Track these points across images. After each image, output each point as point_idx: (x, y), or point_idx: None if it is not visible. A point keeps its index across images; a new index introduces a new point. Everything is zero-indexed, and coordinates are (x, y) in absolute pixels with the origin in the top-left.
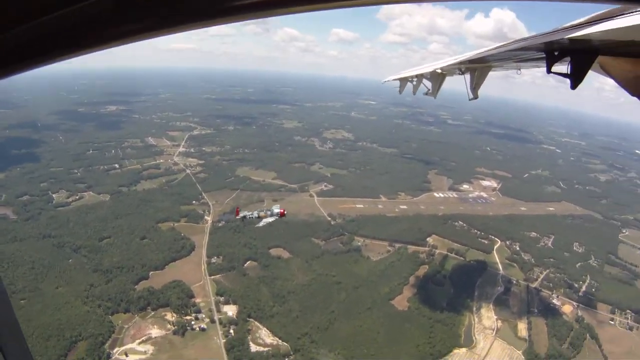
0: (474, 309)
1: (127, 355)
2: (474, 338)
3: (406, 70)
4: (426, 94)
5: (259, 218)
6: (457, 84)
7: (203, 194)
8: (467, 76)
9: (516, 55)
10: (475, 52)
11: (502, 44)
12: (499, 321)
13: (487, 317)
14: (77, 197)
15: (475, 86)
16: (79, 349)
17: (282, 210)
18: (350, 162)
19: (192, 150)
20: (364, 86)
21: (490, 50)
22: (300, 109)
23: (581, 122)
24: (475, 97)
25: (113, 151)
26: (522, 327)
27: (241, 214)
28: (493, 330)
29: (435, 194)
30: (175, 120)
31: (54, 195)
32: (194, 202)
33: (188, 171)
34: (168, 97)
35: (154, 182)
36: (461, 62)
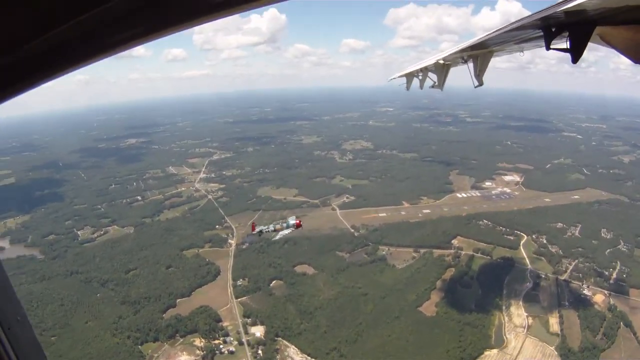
0: (503, 307)
1: None
2: (504, 338)
3: (411, 65)
4: (432, 87)
5: (275, 231)
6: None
7: (226, 217)
8: (471, 65)
9: (515, 36)
10: (475, 38)
11: (500, 27)
12: (530, 318)
13: (517, 315)
14: (101, 232)
15: (479, 73)
16: None
17: (298, 221)
18: (370, 172)
19: (212, 175)
20: (380, 93)
21: (490, 34)
22: (318, 123)
23: (600, 105)
24: (480, 83)
25: (135, 184)
26: (553, 322)
27: (257, 229)
28: (524, 328)
29: (458, 195)
30: (195, 147)
31: (79, 232)
32: (217, 226)
33: (210, 197)
34: (186, 124)
35: (176, 211)
36: (462, 50)
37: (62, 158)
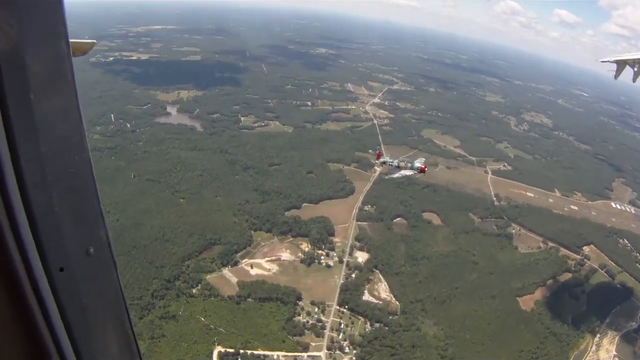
0: (598, 335)
1: (252, 267)
2: None
3: (630, 52)
4: None
5: (398, 168)
6: None
7: (381, 145)
8: None
9: None
10: None
11: None
12: (617, 358)
13: (605, 350)
14: (262, 124)
15: None
16: (214, 251)
17: (423, 166)
18: (538, 149)
19: (386, 103)
20: (581, 76)
21: None
22: (507, 85)
23: None
24: None
25: (310, 90)
26: None
27: (382, 159)
28: None
29: (613, 204)
30: (379, 72)
31: (242, 118)
32: (369, 150)
33: (375, 121)
34: (379, 49)
35: (339, 125)
36: None
37: (251, 49)
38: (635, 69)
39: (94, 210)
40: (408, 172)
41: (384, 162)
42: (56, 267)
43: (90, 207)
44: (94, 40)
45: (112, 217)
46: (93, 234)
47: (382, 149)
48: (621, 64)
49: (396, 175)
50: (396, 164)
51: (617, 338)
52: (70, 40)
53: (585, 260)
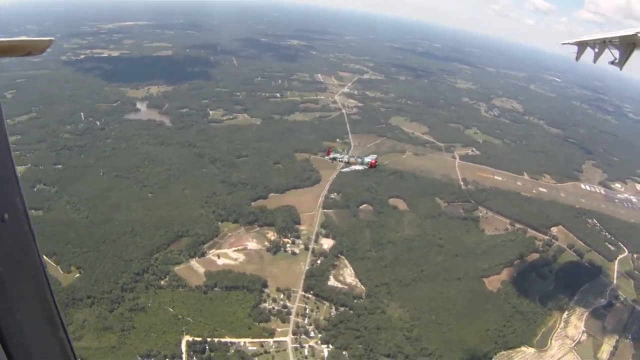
0: (565, 313)
1: (219, 258)
2: (549, 342)
3: (589, 34)
4: (612, 63)
5: (348, 164)
6: None
7: (349, 134)
8: None
9: None
10: None
11: None
12: (585, 334)
13: (574, 326)
14: (230, 117)
15: None
16: (182, 243)
17: (373, 161)
18: (508, 133)
19: (355, 92)
20: (555, 62)
21: None
22: (480, 72)
23: None
24: None
25: (280, 81)
26: (606, 349)
27: (332, 155)
28: (574, 341)
29: (582, 185)
30: (350, 62)
31: (211, 112)
32: (337, 140)
33: (343, 111)
34: (352, 39)
35: (307, 115)
36: None
37: (223, 43)
38: (596, 50)
39: (7, 174)
40: (358, 167)
41: (334, 159)
42: None
43: (3, 171)
44: (51, 38)
45: (81, 214)
46: (7, 199)
47: (332, 145)
48: (582, 45)
49: (345, 169)
50: (346, 160)
51: (585, 314)
52: (27, 38)
53: (553, 240)
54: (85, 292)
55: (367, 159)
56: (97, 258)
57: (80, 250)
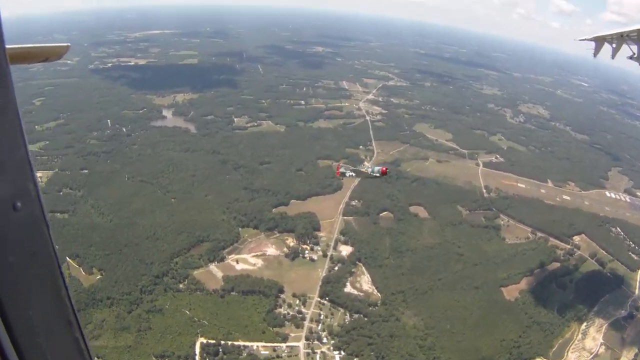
0: (584, 324)
1: (237, 263)
2: (565, 354)
3: (605, 29)
4: (630, 57)
5: (360, 172)
6: None
7: (372, 141)
8: None
9: None
10: None
11: None
12: (603, 346)
13: (592, 338)
14: (255, 124)
15: None
16: (202, 247)
17: (384, 168)
18: (533, 140)
19: (380, 99)
20: (581, 65)
21: None
22: (506, 78)
23: None
24: None
25: (305, 89)
26: None
27: (341, 170)
28: (591, 353)
29: (607, 193)
30: (375, 69)
31: (235, 119)
32: (360, 147)
33: (367, 118)
34: (377, 45)
35: (331, 122)
36: None
37: (248, 50)
38: (614, 45)
39: (20, 160)
40: (364, 170)
41: (344, 174)
42: None
43: (16, 157)
44: (68, 44)
45: (105, 217)
46: (19, 185)
47: (341, 163)
48: (600, 41)
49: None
50: (354, 175)
51: (605, 326)
52: (45, 44)
53: (574, 249)
54: (105, 293)
55: (377, 168)
56: (118, 260)
57: (102, 253)
